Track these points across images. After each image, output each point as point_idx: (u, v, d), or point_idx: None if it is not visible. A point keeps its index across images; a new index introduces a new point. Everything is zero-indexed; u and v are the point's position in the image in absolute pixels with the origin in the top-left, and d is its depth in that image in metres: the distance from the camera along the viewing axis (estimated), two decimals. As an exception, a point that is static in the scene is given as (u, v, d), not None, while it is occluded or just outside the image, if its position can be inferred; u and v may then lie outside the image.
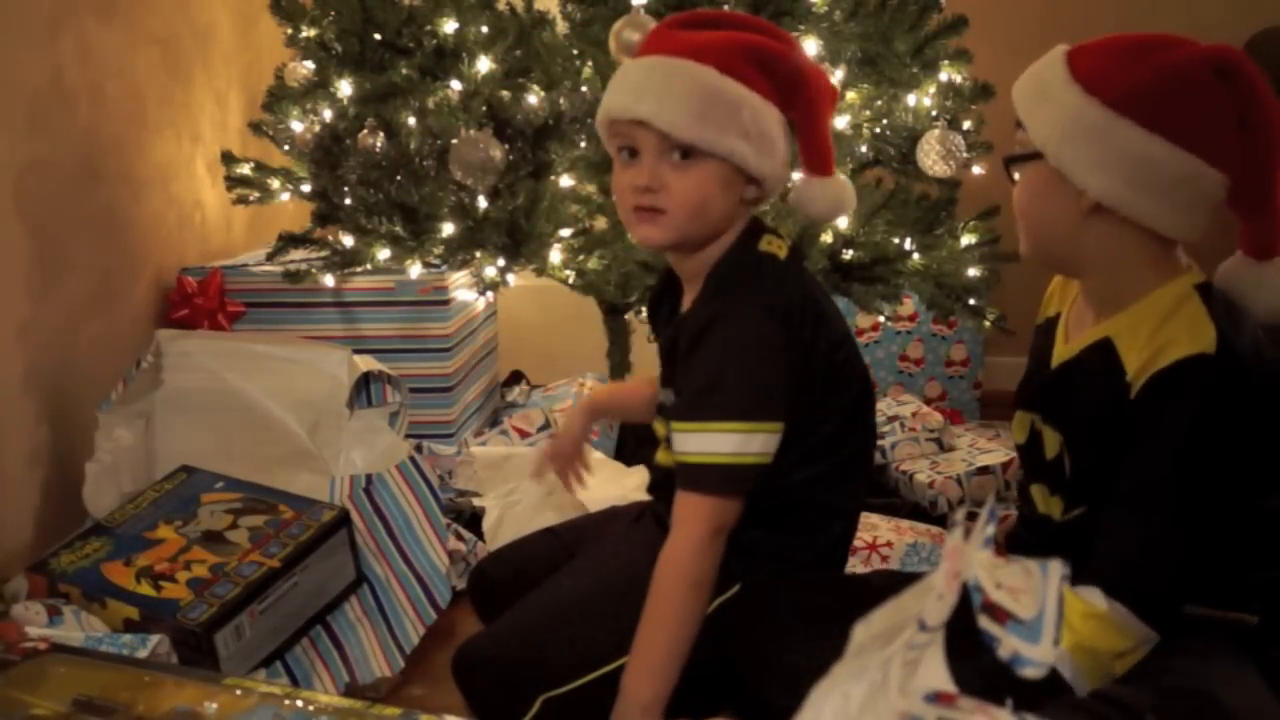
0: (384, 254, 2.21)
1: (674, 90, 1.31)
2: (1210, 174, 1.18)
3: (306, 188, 2.29)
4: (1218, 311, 1.20)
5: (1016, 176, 1.31)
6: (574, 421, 1.71)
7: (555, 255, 2.18)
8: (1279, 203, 1.20)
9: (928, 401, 2.88)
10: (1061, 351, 1.35)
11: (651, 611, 1.31)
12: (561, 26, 2.09)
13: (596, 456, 2.48)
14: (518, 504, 2.23)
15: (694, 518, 1.32)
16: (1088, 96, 1.19)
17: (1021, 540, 1.45)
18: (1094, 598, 1.16)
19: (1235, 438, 1.17)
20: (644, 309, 1.91)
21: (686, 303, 1.44)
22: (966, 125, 2.19)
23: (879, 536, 2.10)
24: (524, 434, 2.55)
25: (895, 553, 2.05)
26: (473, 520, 2.28)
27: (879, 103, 2.14)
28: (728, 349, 1.32)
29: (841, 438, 1.42)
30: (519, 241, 2.09)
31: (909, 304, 2.88)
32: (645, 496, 1.68)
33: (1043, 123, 1.23)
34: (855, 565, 1.98)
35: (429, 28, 2.08)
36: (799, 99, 1.37)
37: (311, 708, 1.26)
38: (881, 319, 2.77)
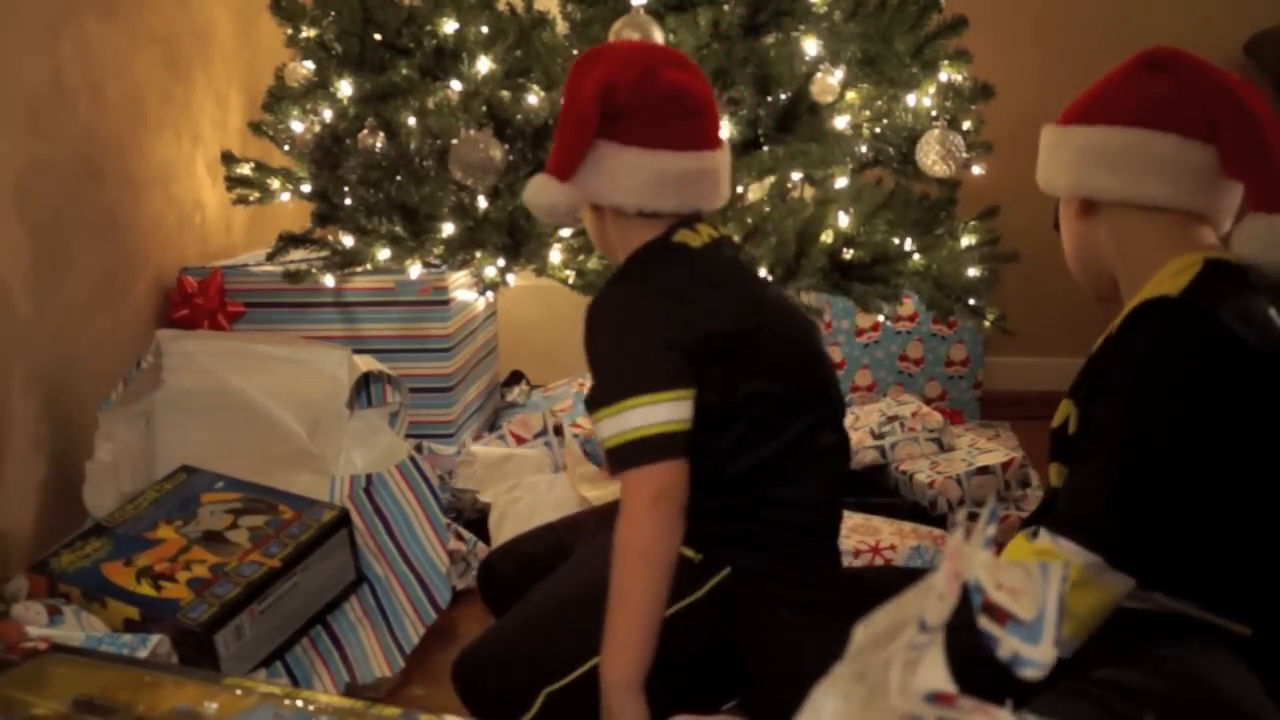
0: (384, 254, 2.21)
1: None
2: (1162, 140, 1.28)
3: (306, 188, 2.29)
4: (1208, 277, 1.25)
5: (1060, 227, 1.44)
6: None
7: (555, 255, 2.18)
8: (1275, 157, 1.26)
9: (928, 401, 2.88)
10: (1098, 341, 1.40)
11: (613, 591, 1.36)
12: (561, 26, 2.09)
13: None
14: (519, 500, 2.23)
15: (628, 492, 1.38)
16: (1049, 128, 1.38)
17: (1034, 520, 1.49)
18: (1041, 536, 1.21)
19: (1192, 376, 1.19)
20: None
21: None
22: (966, 125, 2.19)
23: (881, 540, 2.10)
24: (520, 440, 2.54)
25: (899, 556, 2.06)
26: (473, 520, 2.28)
27: (879, 103, 2.14)
28: (604, 335, 1.43)
29: (774, 424, 1.44)
30: (519, 241, 2.09)
31: (909, 304, 2.89)
32: None
33: (1038, 170, 1.39)
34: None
35: (429, 28, 2.08)
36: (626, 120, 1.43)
37: (311, 708, 1.26)
38: (881, 319, 2.77)
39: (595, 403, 1.41)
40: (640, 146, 1.42)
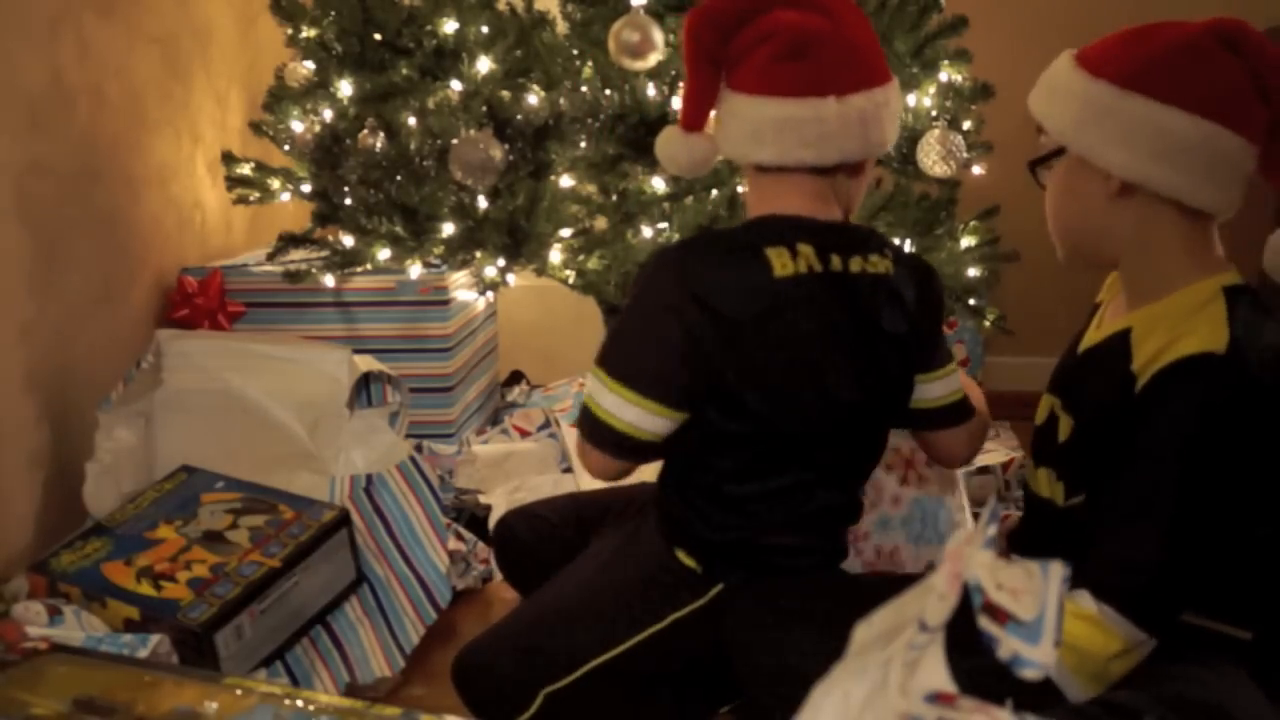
0: (384, 254, 2.21)
1: None
2: (1230, 139, 1.18)
3: (306, 188, 2.29)
4: (1241, 316, 1.19)
5: (1044, 182, 1.32)
6: None
7: (555, 255, 2.18)
8: None
9: (928, 401, 2.87)
10: (1090, 338, 1.36)
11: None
12: (561, 26, 2.09)
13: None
14: (524, 500, 2.23)
15: (578, 446, 1.44)
16: (1095, 80, 1.21)
17: (1022, 525, 1.47)
18: (1083, 599, 1.16)
19: (1235, 447, 1.16)
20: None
21: None
22: (966, 125, 2.19)
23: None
24: (524, 433, 2.55)
25: (902, 509, 2.04)
26: (473, 520, 2.28)
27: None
28: (636, 297, 1.42)
29: (780, 465, 1.41)
30: (519, 241, 2.09)
31: (909, 304, 2.88)
32: None
33: (1059, 115, 1.25)
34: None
35: (429, 28, 2.08)
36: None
37: (311, 708, 1.26)
38: (881, 319, 2.76)
39: (600, 354, 1.40)
40: (745, 93, 1.37)
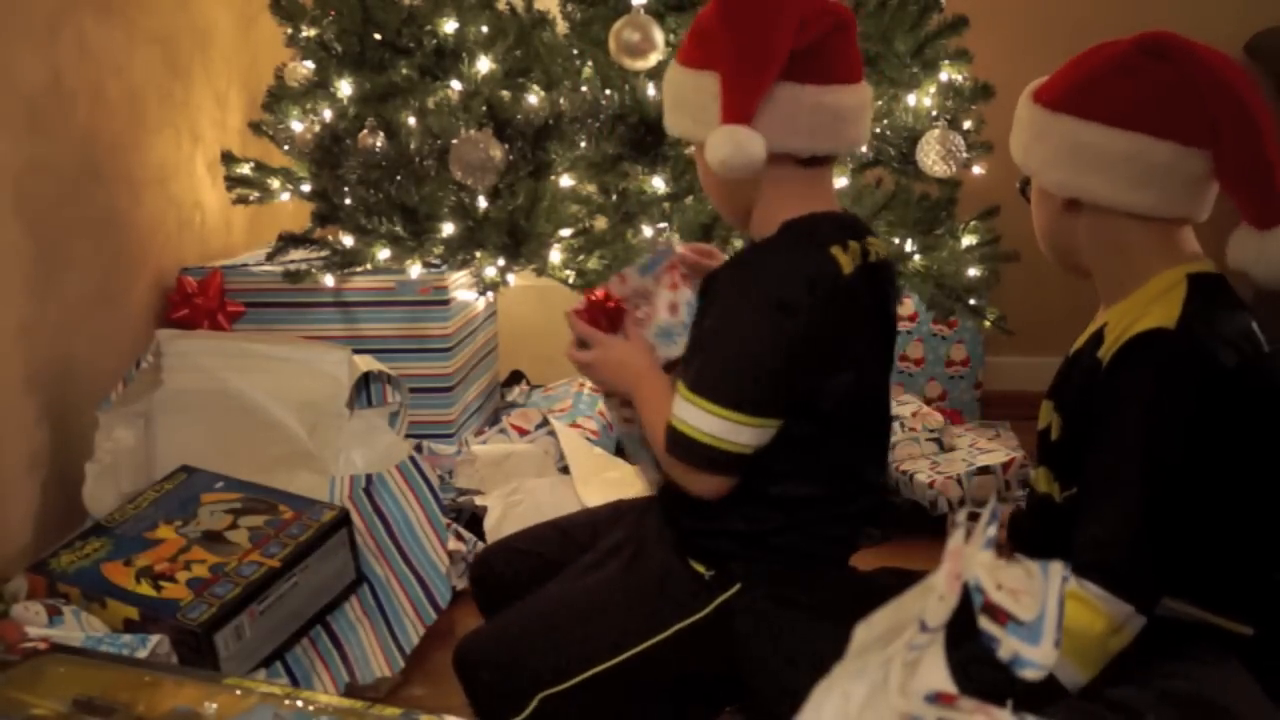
0: (384, 254, 2.21)
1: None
2: (1160, 147, 1.21)
3: (306, 188, 2.29)
4: (1198, 298, 1.23)
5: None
6: None
7: (555, 255, 2.18)
8: (1273, 172, 1.19)
9: (928, 401, 2.88)
10: (1076, 342, 1.39)
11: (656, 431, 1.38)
12: (561, 26, 2.09)
13: (597, 452, 2.49)
14: (520, 503, 2.23)
15: (673, 471, 1.39)
16: (1034, 105, 1.29)
17: (1024, 523, 1.48)
18: (1070, 582, 1.16)
19: (1195, 416, 1.19)
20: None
21: None
22: (966, 125, 2.19)
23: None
24: (523, 431, 2.55)
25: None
26: (473, 520, 2.28)
27: (879, 103, 2.14)
28: (741, 313, 1.38)
29: (834, 459, 1.41)
30: (519, 241, 2.08)
31: (909, 304, 2.88)
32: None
33: (1014, 142, 1.33)
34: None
35: (429, 28, 2.08)
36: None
37: (311, 708, 1.26)
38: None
39: (691, 378, 1.34)
40: (815, 84, 1.33)
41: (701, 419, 1.32)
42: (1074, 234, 1.31)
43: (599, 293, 1.48)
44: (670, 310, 1.46)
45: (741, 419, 1.31)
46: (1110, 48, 1.26)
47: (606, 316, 1.48)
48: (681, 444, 1.34)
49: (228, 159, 2.43)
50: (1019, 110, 1.32)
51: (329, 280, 2.37)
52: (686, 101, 1.38)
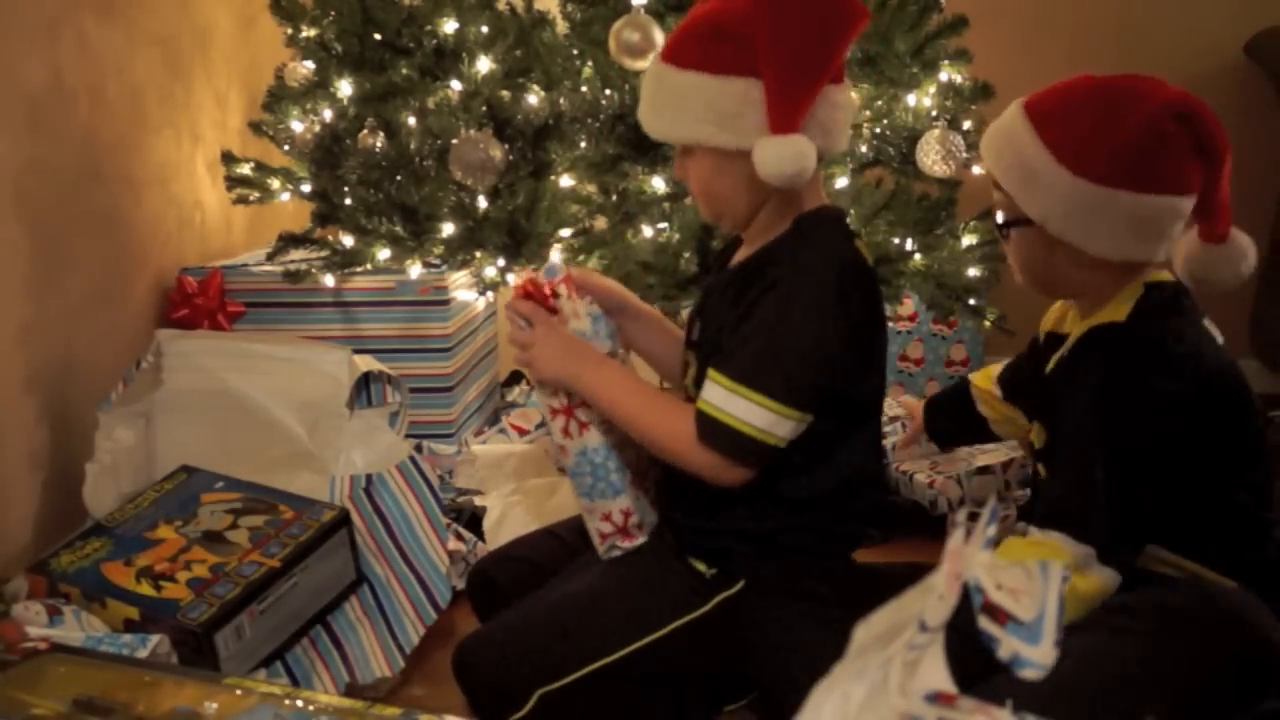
0: (384, 254, 2.21)
1: (644, 94, 1.40)
2: (1186, 202, 1.34)
3: (306, 188, 2.29)
4: (1151, 300, 1.37)
5: (1009, 234, 1.48)
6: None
7: (555, 255, 2.18)
8: (1225, 198, 1.36)
9: (928, 401, 2.87)
10: (1051, 361, 1.50)
11: (648, 413, 1.40)
12: (561, 26, 2.09)
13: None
14: (520, 504, 2.23)
15: (700, 457, 1.37)
16: (1077, 178, 1.33)
17: (1031, 508, 1.60)
18: (1033, 533, 1.31)
19: (1144, 391, 1.30)
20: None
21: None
22: (966, 125, 2.19)
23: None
24: (523, 431, 2.55)
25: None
26: (473, 520, 2.28)
27: (879, 103, 2.14)
28: (790, 309, 1.38)
29: (846, 455, 1.43)
30: (519, 241, 2.09)
31: (909, 304, 2.88)
32: None
33: (1040, 204, 1.38)
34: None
35: (429, 28, 2.08)
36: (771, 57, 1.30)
37: (311, 708, 1.26)
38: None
39: (734, 369, 1.33)
40: (836, 84, 1.37)
41: (749, 411, 1.31)
42: (1080, 277, 1.41)
43: (528, 282, 1.49)
44: (576, 317, 1.50)
45: (788, 412, 1.32)
46: (1141, 110, 1.32)
47: (545, 307, 1.50)
48: (723, 436, 1.33)
49: (228, 159, 2.43)
50: (1030, 159, 1.37)
51: (329, 280, 2.37)
52: (701, 106, 1.32)
